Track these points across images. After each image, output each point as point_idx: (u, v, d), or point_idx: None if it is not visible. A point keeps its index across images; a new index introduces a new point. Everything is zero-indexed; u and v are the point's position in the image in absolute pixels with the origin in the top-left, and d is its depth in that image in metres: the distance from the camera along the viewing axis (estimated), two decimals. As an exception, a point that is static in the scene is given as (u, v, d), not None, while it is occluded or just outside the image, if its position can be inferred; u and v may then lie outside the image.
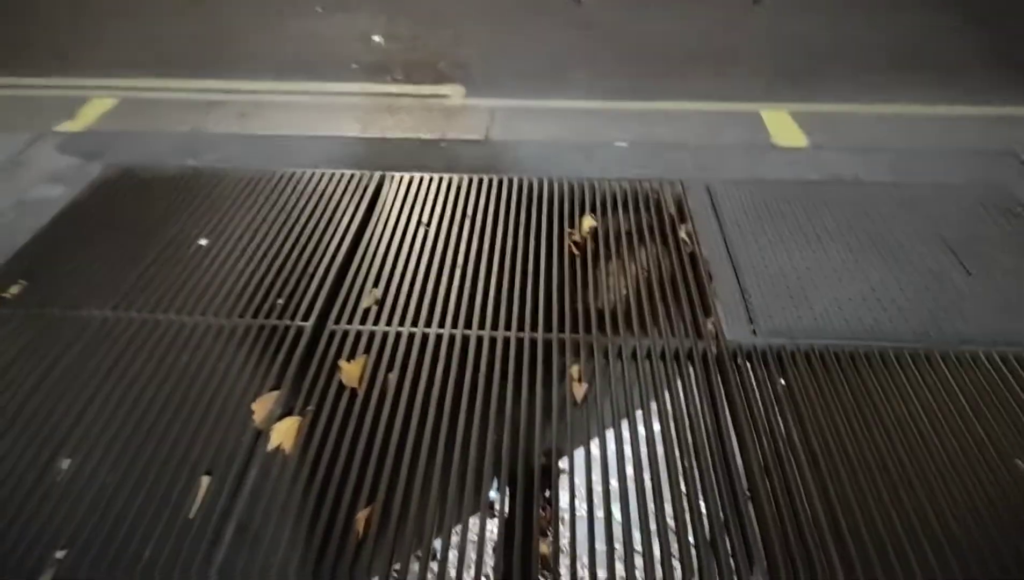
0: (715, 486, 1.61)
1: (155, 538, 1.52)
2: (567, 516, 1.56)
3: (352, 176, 2.78)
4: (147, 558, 1.48)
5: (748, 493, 1.60)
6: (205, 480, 1.64)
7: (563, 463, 1.68)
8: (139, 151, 3.01)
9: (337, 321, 2.09)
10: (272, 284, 2.24)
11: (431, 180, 2.73)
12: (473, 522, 1.55)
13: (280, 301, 2.17)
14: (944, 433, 1.70)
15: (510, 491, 1.61)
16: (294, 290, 2.21)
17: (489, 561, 1.48)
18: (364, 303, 2.15)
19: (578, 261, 2.33)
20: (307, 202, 2.64)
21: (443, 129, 3.15)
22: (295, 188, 2.72)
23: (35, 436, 1.74)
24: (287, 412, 1.81)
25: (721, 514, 1.56)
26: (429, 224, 2.50)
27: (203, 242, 2.42)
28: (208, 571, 1.46)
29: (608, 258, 2.34)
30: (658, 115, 3.22)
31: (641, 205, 2.58)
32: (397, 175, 2.77)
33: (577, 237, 2.42)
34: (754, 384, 1.85)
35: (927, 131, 2.99)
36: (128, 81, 3.73)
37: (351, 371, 1.91)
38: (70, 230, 2.50)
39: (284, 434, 1.74)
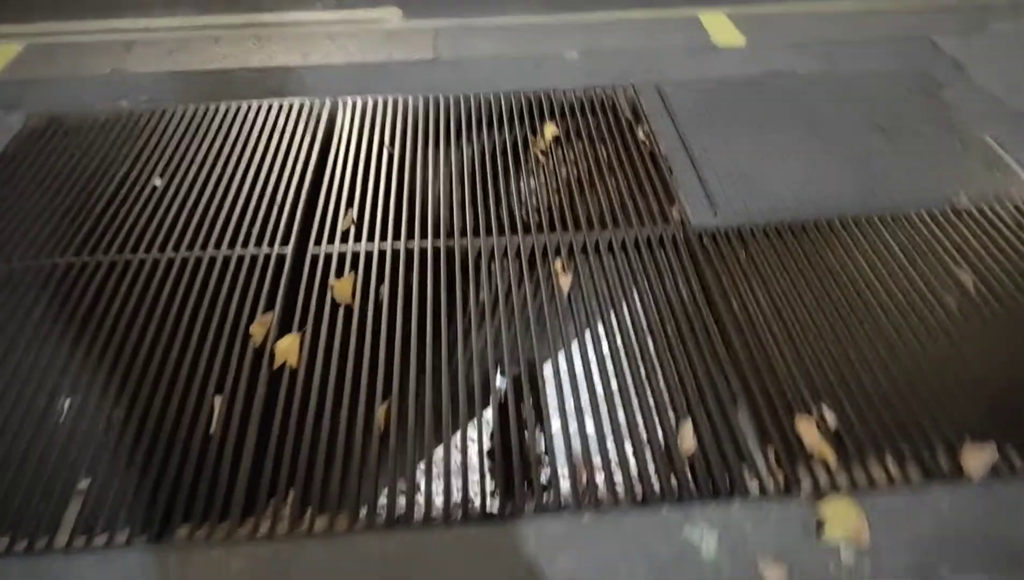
0: (696, 345, 1.79)
1: (176, 456, 1.55)
2: (572, 386, 1.70)
3: (303, 104, 2.70)
4: (172, 476, 1.52)
5: (725, 346, 1.79)
6: (218, 400, 1.67)
7: (560, 351, 1.81)
8: (60, 98, 2.78)
9: (317, 244, 2.10)
10: (242, 214, 2.20)
11: (386, 102, 2.70)
12: (475, 420, 1.67)
13: (254, 230, 2.14)
14: (884, 280, 1.94)
15: (512, 383, 1.73)
16: (266, 218, 2.18)
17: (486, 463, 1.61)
18: (341, 225, 2.16)
19: (545, 167, 2.41)
20: (260, 133, 2.55)
21: (388, 52, 3.07)
22: (245, 121, 2.62)
23: (26, 382, 1.70)
24: (285, 332, 1.84)
25: (706, 366, 1.74)
26: (393, 145, 2.49)
27: (158, 182, 2.33)
28: (236, 479, 1.52)
29: (574, 161, 2.42)
30: (602, 25, 3.25)
31: (598, 111, 2.65)
32: (350, 100, 2.71)
33: (542, 145, 2.48)
34: (721, 259, 2.02)
35: (852, 24, 3.18)
36: (31, 26, 3.38)
37: (342, 288, 1.94)
38: (6, 185, 2.33)
39: (287, 351, 1.78)
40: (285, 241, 2.10)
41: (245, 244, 2.09)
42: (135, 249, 2.07)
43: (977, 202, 2.17)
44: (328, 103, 2.71)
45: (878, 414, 1.63)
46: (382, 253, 2.07)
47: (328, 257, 2.06)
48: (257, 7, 3.62)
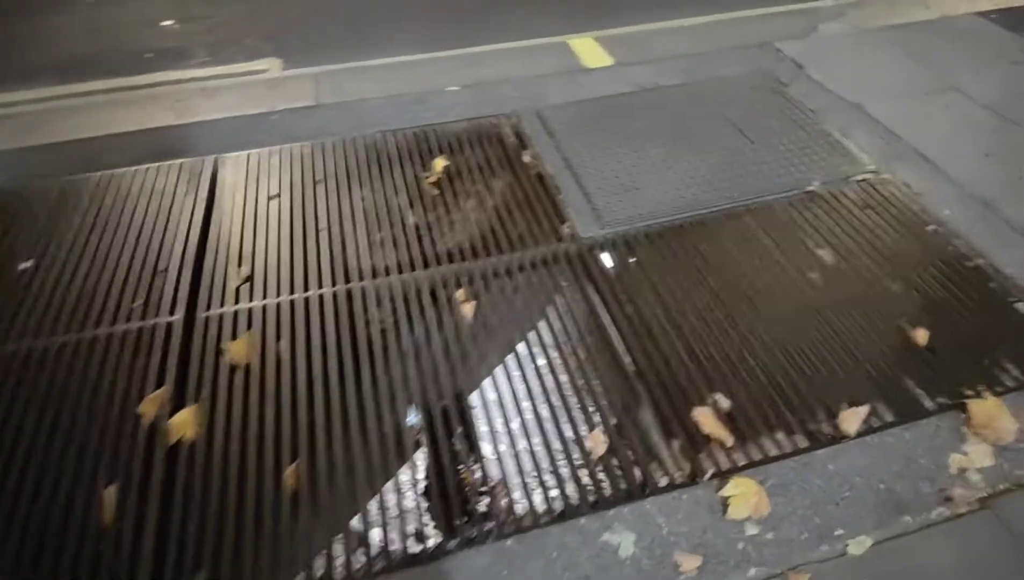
0: (597, 353, 1.87)
1: (68, 556, 1.43)
2: (485, 408, 1.72)
3: (182, 165, 2.61)
4: (67, 566, 1.40)
5: (624, 350, 1.87)
6: (111, 490, 1.56)
7: (473, 372, 1.83)
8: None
9: (208, 308, 2.02)
10: (123, 288, 2.09)
11: (271, 154, 2.66)
12: (396, 465, 1.66)
13: (137, 303, 2.03)
14: (756, 266, 2.11)
15: (428, 423, 1.73)
16: (151, 288, 2.08)
17: (421, 487, 1.60)
18: (233, 284, 2.10)
19: (438, 200, 2.45)
20: (138, 200, 2.44)
21: (269, 102, 3.03)
22: (120, 189, 2.50)
23: None
24: (179, 406, 1.75)
25: (608, 372, 1.82)
26: (280, 196, 2.46)
27: (26, 265, 2.17)
28: (136, 570, 1.43)
29: (466, 192, 2.48)
30: (478, 57, 3.37)
31: (484, 140, 2.74)
32: (232, 155, 2.65)
33: (433, 179, 2.52)
34: (611, 267, 2.13)
35: (704, 36, 3.47)
36: None
37: (238, 349, 1.88)
38: None
39: (183, 425, 1.69)
40: (173, 309, 2.01)
41: (129, 318, 1.99)
42: (4, 339, 1.91)
43: (827, 186, 2.42)
44: (210, 161, 2.64)
45: (766, 393, 1.76)
46: (278, 307, 2.02)
47: (221, 319, 1.99)
48: (125, 70, 3.48)
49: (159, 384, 1.80)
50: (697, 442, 1.65)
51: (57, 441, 1.65)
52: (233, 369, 1.84)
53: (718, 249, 2.17)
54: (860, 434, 1.65)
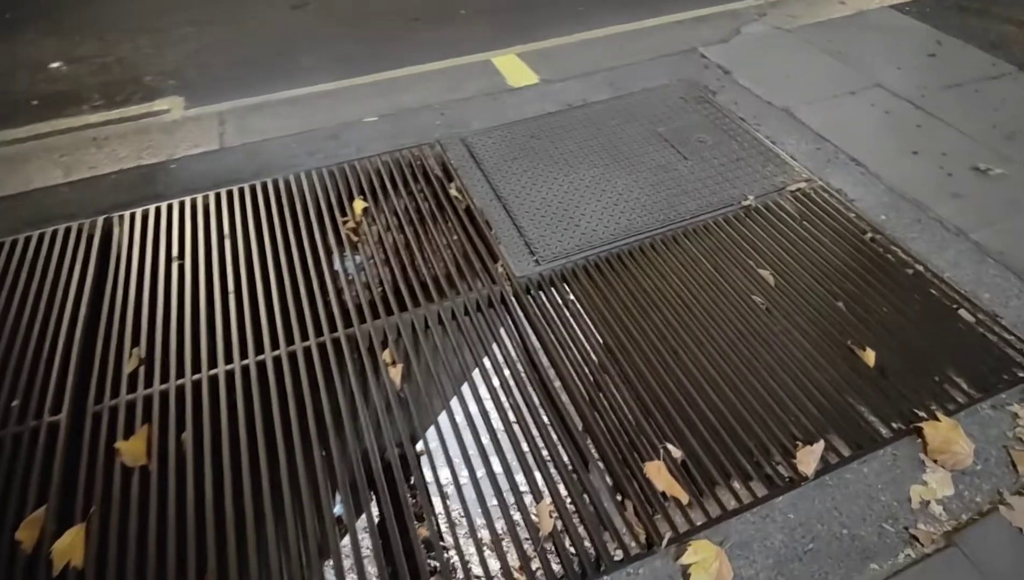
0: (540, 410, 1.73)
1: None
2: (436, 492, 1.55)
3: (68, 230, 2.33)
4: None
5: (569, 404, 1.74)
6: (-26, 648, 1.32)
7: (410, 443, 1.66)
8: None
9: (98, 400, 1.78)
10: (-4, 387, 1.82)
11: (170, 208, 2.40)
12: (329, 548, 1.48)
13: (15, 403, 1.77)
14: (698, 293, 2.01)
15: (375, 493, 1.56)
16: (29, 383, 1.82)
17: (372, 570, 1.42)
18: (127, 369, 1.86)
19: (360, 247, 2.26)
20: (17, 277, 2.15)
21: (168, 149, 2.77)
22: (-8, 265, 2.20)
23: None
24: (65, 526, 1.51)
25: (552, 431, 1.68)
26: (182, 257, 2.22)
27: None
28: None
29: (389, 235, 2.30)
30: (397, 82, 3.19)
31: (407, 174, 2.56)
32: (126, 214, 2.39)
33: (352, 224, 2.33)
34: (549, 308, 1.99)
35: (629, 45, 3.39)
36: None
37: (133, 448, 1.65)
38: None
39: (69, 550, 1.46)
40: (57, 407, 1.76)
41: (4, 423, 1.72)
42: None
43: (763, 199, 2.35)
44: (100, 223, 2.36)
45: (719, 437, 1.65)
46: (180, 391, 1.80)
47: (114, 413, 1.75)
48: (6, 121, 3.13)
49: (41, 501, 1.55)
50: (652, 502, 1.53)
51: (-91, 592, 1.39)
52: (128, 473, 1.61)
53: (659, 278, 2.06)
54: (818, 473, 1.57)
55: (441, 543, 1.48)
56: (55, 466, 1.63)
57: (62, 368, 1.86)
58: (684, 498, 1.52)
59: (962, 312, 1.94)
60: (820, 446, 1.60)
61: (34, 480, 1.59)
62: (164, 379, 1.82)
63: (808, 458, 1.58)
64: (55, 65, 3.64)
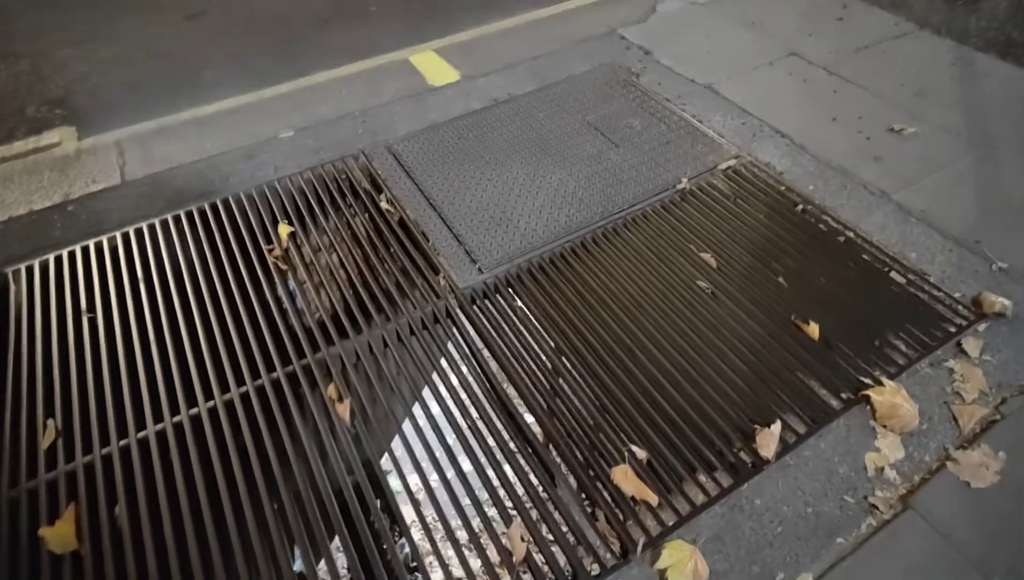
0: (500, 427, 1.67)
1: None
2: (394, 519, 1.48)
3: (-46, 294, 2.08)
4: None
5: (528, 417, 1.69)
6: None
7: (371, 475, 1.57)
8: None
9: (13, 484, 1.60)
10: None
11: (72, 256, 2.18)
12: (285, 609, 1.38)
13: (-89, 502, 1.57)
14: (644, 285, 1.99)
15: (346, 525, 1.47)
16: (-73, 478, 1.62)
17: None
18: (43, 443, 1.68)
19: (291, 275, 2.13)
20: None
21: (63, 189, 2.52)
22: None
23: None
24: (-11, 633, 1.36)
25: (515, 449, 1.63)
26: (93, 310, 2.02)
27: None
28: None
29: (321, 258, 2.17)
30: (312, 91, 3.01)
31: (333, 190, 2.42)
32: (22, 267, 2.15)
33: (278, 251, 2.19)
34: (497, 317, 1.93)
35: (548, 32, 3.33)
36: None
37: (60, 534, 1.49)
38: None
39: (-4, 662, 1.31)
40: (-37, 498, 1.57)
41: (-100, 527, 1.52)
42: None
43: (696, 180, 2.36)
44: (-8, 280, 2.12)
45: (680, 431, 1.65)
46: (107, 460, 1.64)
47: (33, 495, 1.58)
48: None
49: (-45, 610, 1.39)
50: (622, 508, 1.51)
51: None
52: (58, 562, 1.46)
53: (604, 274, 2.04)
54: (779, 455, 1.59)
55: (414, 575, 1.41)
56: (-31, 567, 1.45)
57: (-36, 453, 1.66)
58: (654, 500, 1.51)
59: (893, 274, 2.01)
60: (778, 427, 1.62)
61: (-55, 587, 1.42)
62: (87, 450, 1.66)
63: (768, 441, 1.60)
64: (-81, 102, 3.25)
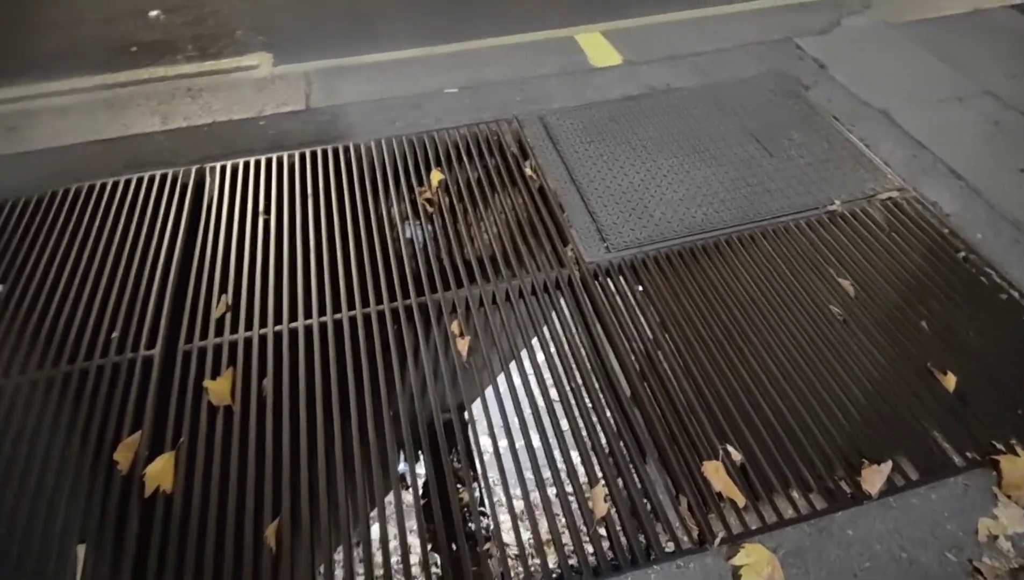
0: (600, 395, 1.75)
1: (35, 630, 1.35)
2: (479, 460, 1.62)
3: (165, 177, 2.47)
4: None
5: (630, 394, 1.75)
6: (81, 549, 1.47)
7: (466, 414, 1.72)
8: None
9: (188, 340, 1.91)
10: (100, 319, 1.97)
11: (258, 164, 2.51)
12: (389, 499, 1.56)
13: (114, 335, 1.92)
14: (772, 297, 1.97)
15: (421, 455, 1.63)
16: (128, 318, 1.97)
17: (414, 527, 1.50)
18: (215, 313, 1.98)
19: (435, 218, 2.31)
20: (117, 217, 2.31)
21: (258, 105, 2.87)
22: (97, 204, 2.36)
23: None
24: (156, 452, 1.65)
25: (612, 420, 1.70)
26: (268, 212, 2.32)
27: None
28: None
29: (463, 209, 2.34)
30: (478, 54, 3.18)
31: (484, 149, 2.58)
32: (217, 166, 2.51)
33: (428, 194, 2.38)
34: (616, 297, 2.00)
35: (719, 30, 3.27)
36: None
37: (219, 389, 1.77)
38: None
39: (160, 475, 1.60)
40: (152, 342, 1.90)
41: (104, 353, 1.88)
42: (-29, 378, 1.81)
43: (850, 204, 2.26)
44: (193, 172, 2.49)
45: (781, 444, 1.64)
46: (262, 339, 1.91)
47: (202, 353, 1.88)
48: (108, 65, 3.31)
49: (136, 427, 1.70)
50: (707, 501, 1.54)
51: (26, 494, 1.56)
52: (214, 411, 1.74)
53: (732, 277, 2.03)
54: (883, 494, 1.54)
55: (491, 516, 1.53)
56: (149, 397, 1.77)
57: (156, 307, 2.00)
58: (740, 501, 1.53)
59: (1057, 345, 1.83)
60: (887, 466, 1.57)
61: (130, 408, 1.74)
62: (248, 327, 1.94)
63: (873, 477, 1.55)
64: (154, 14, 3.81)
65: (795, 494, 1.55)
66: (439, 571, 1.44)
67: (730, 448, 1.62)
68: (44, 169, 2.55)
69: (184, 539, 1.50)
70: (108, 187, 2.43)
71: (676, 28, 3.35)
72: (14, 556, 1.46)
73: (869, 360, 1.81)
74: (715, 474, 1.57)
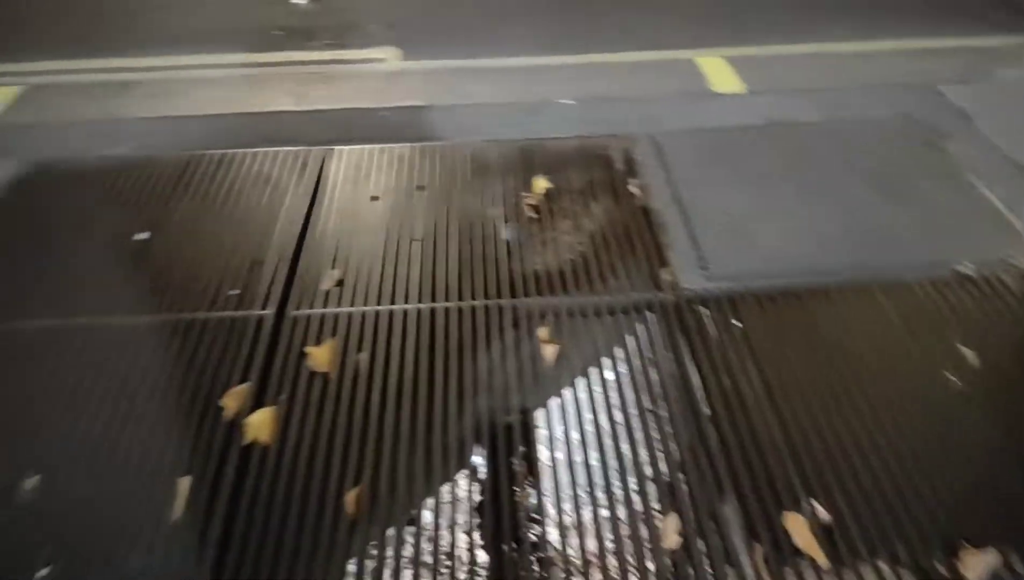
0: (683, 426, 1.72)
1: (140, 546, 1.50)
2: (547, 466, 1.63)
3: (294, 154, 2.67)
4: (135, 567, 1.47)
5: (714, 428, 1.71)
6: (185, 481, 1.62)
7: (539, 418, 1.74)
8: (53, 144, 2.78)
9: (298, 307, 2.06)
10: (224, 274, 2.16)
11: (378, 152, 2.66)
12: (455, 488, 1.61)
13: (235, 292, 2.10)
14: (882, 355, 1.85)
15: (490, 451, 1.67)
16: (248, 278, 2.15)
17: (475, 519, 1.54)
18: (324, 286, 2.12)
19: (534, 224, 2.35)
20: (250, 184, 2.53)
21: (382, 97, 3.05)
22: (233, 171, 2.59)
23: (-9, 458, 1.66)
24: (259, 404, 1.79)
25: (690, 450, 1.67)
26: (380, 198, 2.46)
27: (143, 236, 2.30)
28: (200, 574, 1.47)
29: (565, 218, 2.37)
30: (598, 68, 3.22)
31: (591, 162, 2.60)
32: (342, 149, 2.68)
33: (532, 199, 2.43)
34: (711, 327, 1.95)
35: (853, 68, 3.12)
36: (28, 65, 3.41)
37: (320, 356, 1.89)
38: (-12, 238, 2.32)
39: (259, 427, 1.73)
40: (266, 303, 2.06)
41: (225, 306, 2.05)
42: (113, 311, 2.04)
43: (981, 268, 2.09)
44: (319, 153, 2.68)
45: (872, 509, 1.54)
46: (363, 316, 2.02)
47: (309, 321, 2.01)
48: (254, 45, 3.62)
49: (244, 379, 1.85)
50: (784, 553, 1.48)
51: (146, 423, 1.73)
52: (313, 376, 1.86)
53: (839, 326, 1.93)
54: (984, 585, 1.41)
55: (559, 535, 1.54)
56: (257, 353, 1.92)
57: (273, 272, 2.17)
58: (823, 561, 1.45)
59: None
60: (993, 556, 1.44)
61: (241, 360, 1.89)
62: (352, 303, 2.06)
63: (976, 564, 1.43)
64: (302, 1, 4.12)
65: (883, 565, 1.46)
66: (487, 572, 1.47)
67: (816, 504, 1.55)
68: (191, 134, 2.83)
69: (273, 493, 1.60)
70: (247, 157, 2.66)
71: (804, 60, 3.24)
72: (129, 480, 1.63)
73: (984, 438, 1.67)
74: (797, 527, 1.50)
